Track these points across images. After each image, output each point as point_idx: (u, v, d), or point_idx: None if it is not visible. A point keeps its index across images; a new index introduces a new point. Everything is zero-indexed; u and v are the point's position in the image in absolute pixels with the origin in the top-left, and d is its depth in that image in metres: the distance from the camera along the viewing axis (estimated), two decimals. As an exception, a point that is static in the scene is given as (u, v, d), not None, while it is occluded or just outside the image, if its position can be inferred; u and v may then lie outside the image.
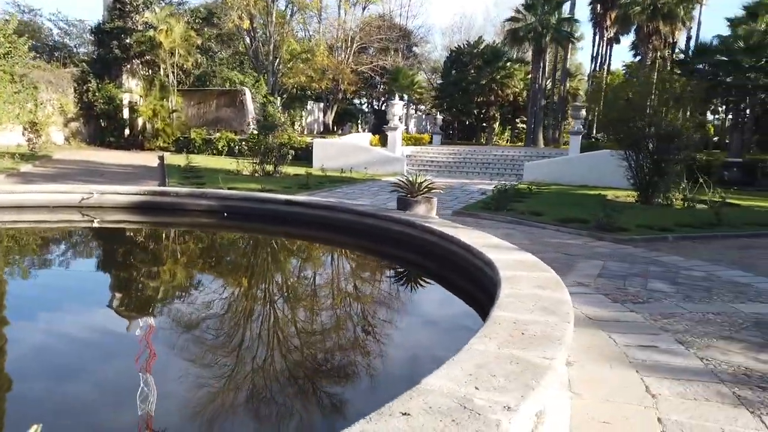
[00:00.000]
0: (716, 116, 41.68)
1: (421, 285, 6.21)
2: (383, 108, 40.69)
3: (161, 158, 22.06)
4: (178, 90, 29.04)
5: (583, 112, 19.79)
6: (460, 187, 16.85)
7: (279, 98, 34.76)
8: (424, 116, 49.96)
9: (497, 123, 45.89)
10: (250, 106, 29.64)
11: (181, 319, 4.49)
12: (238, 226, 8.47)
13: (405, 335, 4.48)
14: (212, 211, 8.52)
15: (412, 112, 51.23)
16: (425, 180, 7.81)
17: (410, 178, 7.71)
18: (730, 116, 36.38)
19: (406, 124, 43.05)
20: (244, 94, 30.33)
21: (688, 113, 14.93)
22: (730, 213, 11.58)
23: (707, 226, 10.14)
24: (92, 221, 8.30)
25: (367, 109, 50.02)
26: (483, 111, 43.61)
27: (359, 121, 47.50)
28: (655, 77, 15.71)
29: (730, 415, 3.16)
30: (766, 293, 5.84)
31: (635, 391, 3.43)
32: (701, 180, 13.55)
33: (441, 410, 1.96)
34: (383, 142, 23.16)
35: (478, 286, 4.82)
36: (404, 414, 1.94)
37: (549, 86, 42.89)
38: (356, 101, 49.02)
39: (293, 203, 8.27)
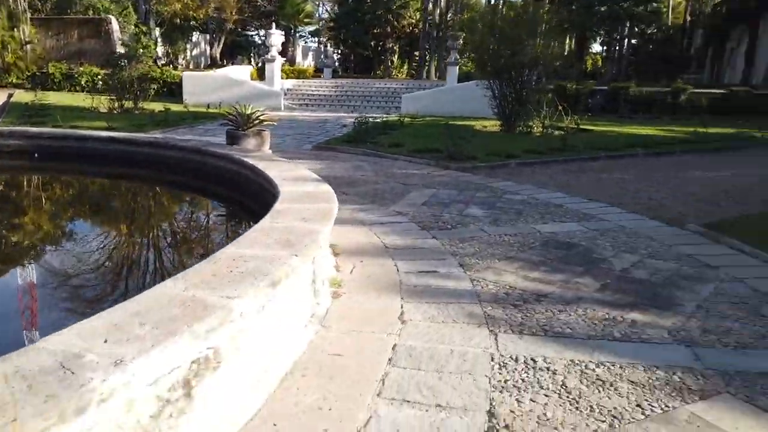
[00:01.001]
0: (606, 47, 43.41)
1: (222, 219, 5.94)
2: (282, 39, 38.49)
3: (10, 96, 19.67)
4: (32, 19, 25.78)
5: (460, 42, 19.76)
6: (335, 120, 16.43)
7: (156, 28, 31.94)
8: (323, 49, 48.10)
9: (396, 56, 45.17)
10: (118, 37, 26.94)
11: None
12: (48, 167, 7.63)
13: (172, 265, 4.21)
14: (24, 152, 7.61)
15: (312, 44, 49.23)
16: (255, 111, 7.34)
17: (239, 110, 7.20)
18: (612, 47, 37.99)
19: (298, 57, 41.30)
20: (110, 23, 27.46)
21: (555, 42, 15.26)
22: (580, 138, 12.13)
23: (555, 152, 10.53)
24: None
25: (260, 41, 47.20)
26: (380, 43, 42.64)
27: (252, 54, 44.86)
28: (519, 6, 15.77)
29: (467, 336, 3.19)
30: (572, 213, 6.10)
31: (388, 319, 3.39)
32: (560, 108, 14.02)
33: (26, 374, 1.69)
34: (261, 75, 21.98)
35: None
36: (-25, 380, 1.64)
37: (448, 18, 42.42)
38: (250, 33, 46.07)
39: (116, 141, 7.55)
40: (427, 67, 37.12)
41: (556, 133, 13.09)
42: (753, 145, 12.67)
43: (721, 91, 19.57)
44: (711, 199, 6.97)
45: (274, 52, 21.33)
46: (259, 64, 35.29)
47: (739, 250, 4.81)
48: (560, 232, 5.31)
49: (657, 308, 3.59)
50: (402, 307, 3.57)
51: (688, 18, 34.12)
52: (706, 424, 2.39)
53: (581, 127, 13.73)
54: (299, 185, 4.75)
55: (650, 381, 2.72)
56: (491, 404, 2.52)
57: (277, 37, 21.69)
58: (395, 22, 40.55)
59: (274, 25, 22.48)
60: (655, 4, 28.92)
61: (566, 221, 5.74)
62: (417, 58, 44.87)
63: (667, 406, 2.52)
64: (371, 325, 3.31)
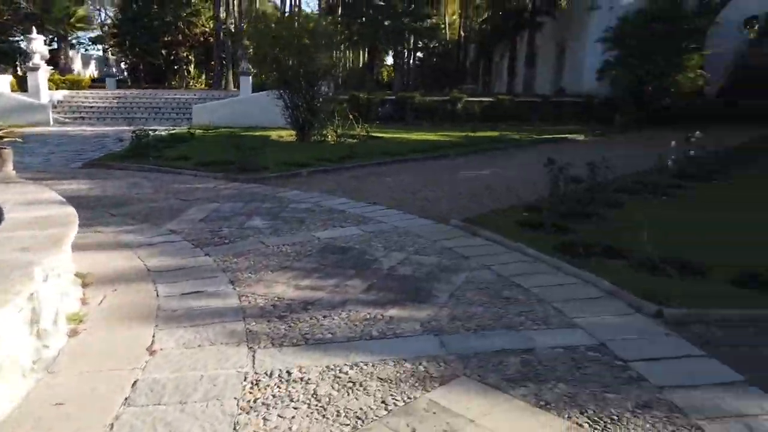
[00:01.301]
0: (401, 60, 46.30)
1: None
2: (54, 46, 33.82)
3: None
4: None
5: (250, 52, 19.43)
6: (115, 134, 14.91)
7: None
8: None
9: (192, 65, 42.98)
10: None
11: None
12: None
13: None
14: None
15: (96, 53, 44.52)
16: (-10, 127, 6.24)
17: (-32, 126, 6.05)
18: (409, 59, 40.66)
19: (77, 66, 37.03)
20: None
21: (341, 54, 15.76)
22: (370, 145, 12.71)
23: (346, 159, 10.82)
24: None
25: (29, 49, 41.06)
26: (173, 52, 40.19)
27: (18, 63, 38.90)
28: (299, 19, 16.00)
29: (223, 357, 3.00)
30: (353, 217, 6.26)
31: (133, 353, 3.04)
32: (352, 117, 14.56)
33: None
34: (24, 86, 19.10)
35: None
36: None
37: (243, 28, 41.52)
38: (14, 39, 39.85)
39: None
40: (225, 78, 35.90)
41: (349, 141, 13.53)
42: (514, 146, 14.51)
43: (490, 99, 22.17)
44: (475, 197, 7.72)
45: (37, 59, 18.70)
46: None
47: (492, 241, 5.36)
48: (339, 237, 5.39)
49: (415, 302, 3.79)
50: (154, 336, 3.24)
51: (462, 34, 38.17)
52: (441, 410, 2.52)
53: (372, 134, 14.40)
54: (33, 210, 4.11)
55: (398, 375, 2.82)
56: (235, 429, 2.36)
57: (39, 43, 19.06)
58: (187, 30, 38.64)
59: (34, 29, 19.65)
60: (432, 20, 31.74)
61: (346, 226, 5.86)
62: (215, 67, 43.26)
63: (409, 397, 2.62)
64: (111, 362, 2.94)
